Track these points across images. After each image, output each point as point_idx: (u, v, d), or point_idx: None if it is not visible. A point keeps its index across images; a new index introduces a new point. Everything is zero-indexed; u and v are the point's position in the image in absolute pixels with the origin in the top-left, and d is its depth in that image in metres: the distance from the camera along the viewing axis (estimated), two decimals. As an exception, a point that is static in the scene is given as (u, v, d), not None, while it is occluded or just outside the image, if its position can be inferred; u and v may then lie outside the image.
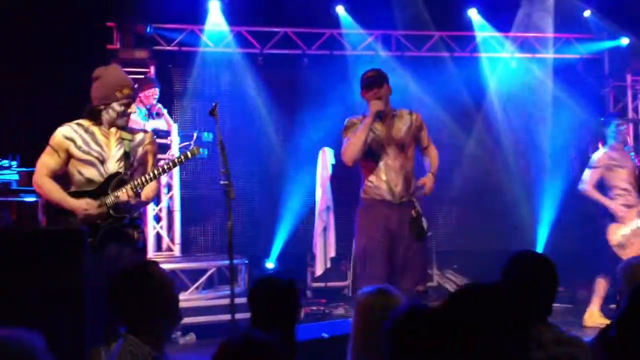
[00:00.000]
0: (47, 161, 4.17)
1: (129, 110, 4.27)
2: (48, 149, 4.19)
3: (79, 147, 4.16)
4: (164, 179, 7.55)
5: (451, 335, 2.21)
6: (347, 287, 8.50)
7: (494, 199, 9.12)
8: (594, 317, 6.81)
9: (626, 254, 6.43)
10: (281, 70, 8.83)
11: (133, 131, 4.43)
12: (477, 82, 8.96)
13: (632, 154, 6.97)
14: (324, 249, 7.97)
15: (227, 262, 5.97)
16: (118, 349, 2.60)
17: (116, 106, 4.21)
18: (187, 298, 6.63)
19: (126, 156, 4.25)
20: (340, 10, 8.62)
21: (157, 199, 7.29)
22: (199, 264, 7.30)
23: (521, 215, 9.00)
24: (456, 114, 8.90)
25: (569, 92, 9.06)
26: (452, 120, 8.92)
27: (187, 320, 6.34)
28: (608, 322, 3.21)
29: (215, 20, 8.37)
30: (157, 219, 7.71)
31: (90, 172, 4.16)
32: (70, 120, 4.27)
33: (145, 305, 2.63)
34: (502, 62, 9.07)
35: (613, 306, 6.52)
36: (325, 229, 7.99)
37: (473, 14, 8.84)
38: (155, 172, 4.32)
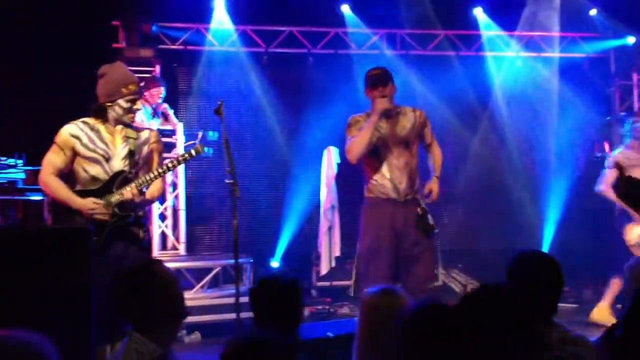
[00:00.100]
0: (53, 159, 4.18)
1: (135, 107, 4.28)
2: (54, 147, 4.19)
3: (84, 145, 4.16)
4: (169, 177, 7.56)
5: (465, 333, 2.21)
6: (351, 286, 8.49)
7: (500, 198, 9.11)
8: (602, 313, 6.74)
9: None
10: (286, 69, 8.84)
11: (138, 130, 4.43)
12: (482, 81, 8.95)
13: None
14: (329, 248, 7.97)
15: (232, 261, 5.96)
16: (123, 347, 2.61)
17: (122, 103, 4.22)
18: (192, 297, 6.63)
19: (131, 154, 4.25)
20: (345, 9, 8.62)
21: (162, 198, 7.30)
22: (204, 262, 7.30)
23: (526, 214, 8.98)
24: (461, 113, 8.90)
25: (575, 91, 9.05)
26: (458, 119, 8.92)
27: (192, 319, 6.35)
28: (614, 320, 3.20)
29: (221, 19, 8.39)
30: (163, 217, 7.72)
31: (96, 170, 4.17)
32: (76, 118, 4.27)
33: (150, 304, 2.64)
34: (508, 61, 9.06)
35: (619, 306, 6.51)
36: (330, 228, 7.99)
37: (478, 12, 8.83)
38: (160, 170, 4.32)
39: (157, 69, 8.01)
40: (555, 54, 9.05)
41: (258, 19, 8.49)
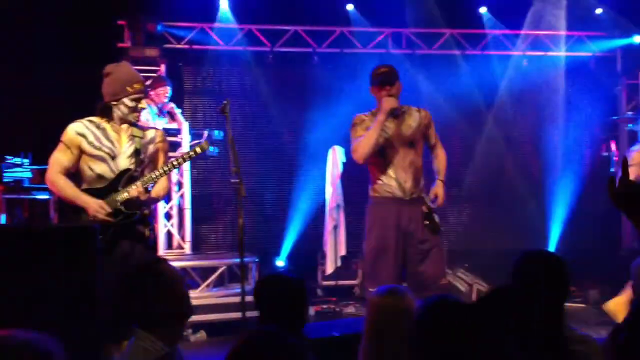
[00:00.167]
0: (60, 158, 4.19)
1: (140, 106, 4.28)
2: (60, 146, 4.20)
3: (90, 143, 4.17)
4: (174, 177, 7.57)
5: (481, 332, 2.20)
6: (357, 286, 8.49)
7: (506, 198, 9.09)
8: (618, 307, 6.63)
9: None
10: (291, 68, 8.84)
11: (144, 129, 4.43)
12: (488, 81, 8.93)
13: None
14: (334, 247, 7.96)
15: (237, 260, 5.98)
16: (131, 345, 2.62)
17: (127, 101, 4.23)
18: (197, 296, 6.64)
19: (137, 153, 4.26)
20: (350, 8, 8.61)
21: (167, 197, 7.31)
22: (210, 261, 7.31)
23: (533, 214, 8.96)
24: (467, 112, 8.87)
25: (581, 90, 9.04)
26: (463, 119, 8.89)
27: (197, 317, 6.36)
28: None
29: (226, 19, 8.39)
30: (168, 216, 7.73)
31: (101, 168, 4.17)
32: (81, 117, 4.28)
33: (156, 302, 2.64)
34: (514, 60, 9.03)
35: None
36: (335, 227, 7.98)
37: (484, 11, 8.81)
38: (166, 168, 4.32)
39: (163, 68, 8.03)
40: (561, 52, 9.03)
41: (263, 18, 8.49)
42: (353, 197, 8.04)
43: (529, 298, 2.79)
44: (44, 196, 6.70)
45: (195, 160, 7.98)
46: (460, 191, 8.94)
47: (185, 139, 7.47)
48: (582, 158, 9.13)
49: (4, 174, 6.50)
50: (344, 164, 8.01)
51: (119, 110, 4.25)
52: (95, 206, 4.10)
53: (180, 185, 7.85)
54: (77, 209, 4.13)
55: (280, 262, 8.48)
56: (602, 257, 8.10)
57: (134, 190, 4.16)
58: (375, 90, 4.95)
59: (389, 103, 4.82)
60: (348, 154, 7.66)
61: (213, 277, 7.04)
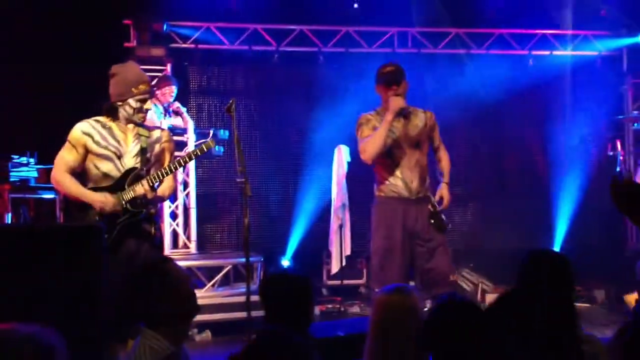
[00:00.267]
0: (66, 157, 4.20)
1: (145, 107, 4.29)
2: (66, 145, 4.22)
3: (96, 142, 4.19)
4: (180, 176, 7.58)
5: (489, 333, 2.21)
6: (362, 285, 8.50)
7: (511, 197, 9.08)
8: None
9: None
10: (297, 67, 8.84)
11: (150, 129, 4.45)
12: (493, 80, 8.90)
13: None
14: (339, 246, 7.96)
15: (243, 259, 5.97)
16: (137, 344, 2.63)
17: (132, 102, 4.24)
18: (203, 295, 6.64)
19: (143, 152, 4.27)
20: (356, 7, 8.61)
21: (173, 197, 7.32)
22: (215, 261, 7.31)
23: (538, 213, 8.94)
24: (473, 111, 8.85)
25: (587, 90, 9.01)
26: (469, 118, 8.87)
27: (202, 317, 6.36)
28: None
29: (231, 18, 8.40)
30: (173, 216, 7.74)
31: (107, 167, 4.19)
32: (88, 117, 4.30)
33: (162, 302, 2.65)
34: (520, 59, 9.02)
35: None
36: (341, 227, 7.98)
37: (490, 10, 8.79)
38: (172, 166, 4.33)
39: (168, 67, 8.04)
40: (567, 52, 9.01)
41: (269, 17, 8.49)
42: (358, 197, 8.05)
43: (534, 298, 2.79)
44: (49, 195, 6.71)
45: (201, 159, 7.98)
46: (466, 190, 8.93)
47: (190, 139, 7.47)
48: (587, 157, 9.10)
49: (10, 173, 6.51)
50: (349, 164, 8.00)
51: (125, 111, 4.26)
52: (101, 198, 4.12)
53: (185, 184, 7.86)
54: (82, 207, 4.14)
55: (285, 262, 8.48)
56: (607, 257, 8.09)
57: (141, 188, 4.18)
58: (381, 89, 4.94)
59: (397, 103, 4.80)
60: (353, 153, 7.68)
61: (218, 276, 7.04)
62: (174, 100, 7.53)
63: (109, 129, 4.25)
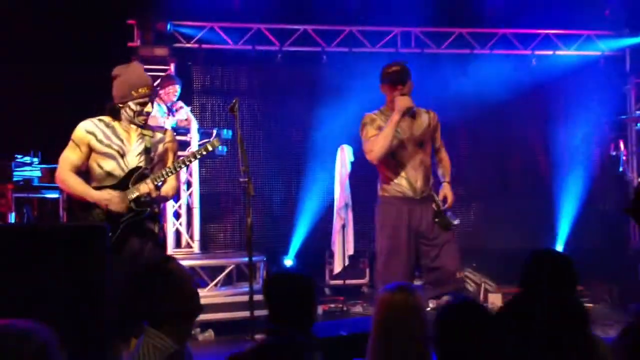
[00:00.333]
0: (70, 156, 4.22)
1: (145, 110, 4.29)
2: (70, 144, 4.23)
3: (100, 141, 4.20)
4: (183, 176, 7.59)
5: (503, 337, 2.22)
6: (365, 285, 8.50)
7: (514, 197, 9.07)
8: None
9: None
10: (300, 67, 8.84)
11: (154, 129, 4.46)
12: (496, 80, 8.90)
13: None
14: (342, 246, 7.97)
15: (245, 259, 5.98)
16: (140, 342, 2.64)
17: (132, 105, 4.25)
18: (205, 295, 6.64)
19: (147, 151, 4.29)
20: (359, 7, 8.61)
21: (176, 196, 7.33)
22: (218, 260, 7.32)
23: (541, 213, 8.94)
24: (475, 111, 8.83)
25: (590, 90, 8.99)
26: (472, 118, 8.85)
27: (205, 316, 6.37)
28: None
29: (235, 18, 8.41)
30: (177, 215, 7.75)
31: (110, 166, 4.20)
32: (91, 116, 4.31)
33: (165, 301, 2.66)
34: (522, 59, 9.01)
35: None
36: (344, 227, 7.99)
37: (493, 10, 8.78)
38: (176, 165, 4.35)
39: (172, 67, 8.04)
40: (570, 52, 9.00)
41: (272, 17, 8.49)
42: (361, 197, 8.04)
43: (536, 298, 2.79)
44: (53, 195, 6.73)
45: (204, 159, 7.99)
46: (468, 190, 8.92)
47: (194, 138, 7.48)
48: (590, 157, 9.10)
49: (14, 173, 6.52)
50: (352, 164, 8.01)
51: (126, 113, 4.28)
52: (106, 196, 4.13)
53: (188, 184, 7.86)
54: (86, 207, 4.15)
55: (288, 261, 8.49)
56: (609, 257, 8.09)
57: (145, 187, 4.19)
58: (386, 88, 4.92)
59: (404, 102, 4.78)
60: (356, 153, 7.68)
61: (221, 276, 7.05)
62: (178, 100, 7.54)
63: (112, 128, 4.27)
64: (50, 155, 5.46)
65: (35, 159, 6.72)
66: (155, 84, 7.52)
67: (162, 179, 4.29)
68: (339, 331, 4.30)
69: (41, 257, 3.19)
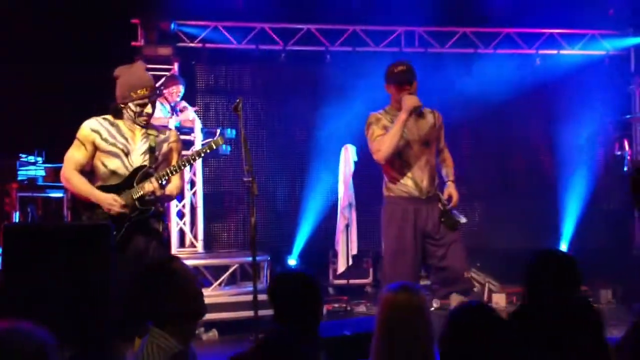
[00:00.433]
0: (75, 154, 4.23)
1: (145, 111, 4.29)
2: (75, 143, 4.25)
3: (105, 139, 4.21)
4: (187, 175, 7.59)
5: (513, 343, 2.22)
6: (369, 285, 8.50)
7: (518, 197, 9.06)
8: None
9: None
10: (304, 66, 8.85)
11: (158, 129, 4.47)
12: (500, 79, 8.89)
13: None
14: (346, 246, 7.97)
15: (249, 258, 5.97)
16: (144, 342, 2.64)
17: (132, 106, 4.26)
18: (209, 294, 6.64)
19: (151, 150, 4.29)
20: (363, 6, 8.61)
21: (180, 196, 7.33)
22: (222, 260, 7.32)
23: (545, 213, 8.93)
24: (479, 111, 8.82)
25: (595, 89, 8.98)
26: (475, 117, 8.85)
27: (209, 316, 6.35)
28: None
29: (238, 17, 8.42)
30: (180, 215, 7.75)
31: (115, 164, 4.21)
32: (96, 115, 4.32)
33: (169, 301, 2.66)
34: (527, 58, 9.00)
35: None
36: (347, 226, 7.99)
37: (497, 10, 8.77)
38: (180, 163, 4.35)
39: (176, 66, 8.06)
40: (574, 51, 8.98)
41: (276, 16, 8.50)
42: (364, 196, 8.06)
43: (540, 298, 2.79)
44: (57, 194, 6.74)
45: (208, 158, 8.00)
46: (472, 190, 8.91)
47: (197, 138, 7.48)
48: (595, 157, 9.08)
49: (18, 172, 6.54)
50: (356, 163, 8.00)
51: (127, 113, 4.29)
52: (109, 199, 4.14)
53: (192, 183, 7.86)
54: (90, 206, 4.16)
55: (292, 261, 8.50)
56: (614, 257, 8.07)
57: (150, 185, 4.19)
58: (392, 88, 4.88)
59: (412, 101, 4.75)
60: (360, 152, 7.68)
61: (225, 275, 7.05)
62: (181, 100, 7.55)
63: (117, 127, 4.28)
64: (55, 155, 5.48)
65: (40, 158, 6.74)
66: (159, 83, 7.53)
67: (167, 177, 4.29)
68: (343, 331, 4.30)
69: (45, 256, 3.20)
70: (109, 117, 4.31)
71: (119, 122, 4.30)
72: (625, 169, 8.18)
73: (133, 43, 7.97)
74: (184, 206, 7.76)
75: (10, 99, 7.27)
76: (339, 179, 8.18)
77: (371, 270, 8.46)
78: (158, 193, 4.22)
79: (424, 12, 8.33)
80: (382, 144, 4.78)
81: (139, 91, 4.25)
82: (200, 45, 8.48)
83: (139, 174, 4.24)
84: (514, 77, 8.83)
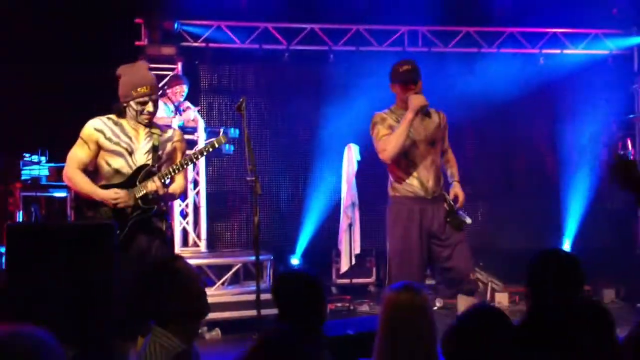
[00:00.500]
0: (78, 153, 4.23)
1: (146, 109, 4.29)
2: (79, 141, 4.25)
3: (108, 138, 4.22)
4: (190, 174, 7.60)
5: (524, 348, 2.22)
6: (372, 284, 8.51)
7: (521, 196, 9.06)
8: None
9: None
10: (307, 66, 8.85)
11: (162, 128, 4.48)
12: (504, 79, 8.88)
13: None
14: (349, 245, 7.96)
15: (252, 257, 6.00)
16: (147, 342, 2.64)
17: (133, 105, 4.26)
18: (212, 294, 6.64)
19: (154, 149, 4.30)
20: (366, 5, 8.61)
21: (183, 195, 7.34)
22: (225, 259, 7.33)
23: (548, 212, 8.92)
24: (483, 110, 8.81)
25: (598, 89, 8.97)
26: (479, 117, 8.84)
27: (212, 315, 6.36)
28: None
29: (242, 17, 8.42)
30: (184, 214, 7.76)
31: (118, 163, 4.21)
32: (100, 115, 4.33)
33: (172, 300, 2.66)
34: (530, 58, 8.99)
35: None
36: (350, 225, 7.98)
37: (500, 9, 8.77)
38: (183, 162, 4.36)
39: (179, 66, 8.07)
40: (578, 50, 8.97)
41: (279, 16, 8.50)
42: (368, 196, 8.06)
43: (543, 298, 2.79)
44: (61, 194, 6.76)
45: (211, 158, 8.01)
46: (475, 190, 8.90)
47: (201, 137, 7.50)
48: (598, 156, 9.07)
49: (22, 172, 6.55)
50: (359, 162, 8.00)
51: (130, 112, 4.30)
52: (111, 194, 4.15)
53: (195, 183, 7.87)
54: (93, 205, 4.17)
55: (295, 260, 8.50)
56: (617, 257, 8.07)
57: (152, 184, 4.19)
58: (397, 88, 4.86)
59: (419, 100, 4.72)
60: (364, 151, 7.68)
61: (228, 274, 7.06)
62: (185, 99, 7.56)
63: (121, 126, 4.29)
64: (58, 154, 5.49)
65: (43, 158, 6.75)
66: (163, 82, 7.54)
67: (170, 176, 4.30)
68: (346, 330, 4.30)
69: (49, 256, 3.21)
70: (112, 116, 4.32)
71: (123, 122, 4.30)
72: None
73: (136, 42, 7.98)
74: (187, 205, 7.77)
75: (12, 99, 7.28)
76: (342, 178, 8.18)
77: (374, 270, 8.46)
78: (161, 192, 4.22)
79: (428, 12, 8.32)
80: (388, 144, 4.76)
81: (140, 89, 4.25)
82: (203, 44, 8.49)
83: (142, 173, 4.24)
84: (517, 76, 8.82)
